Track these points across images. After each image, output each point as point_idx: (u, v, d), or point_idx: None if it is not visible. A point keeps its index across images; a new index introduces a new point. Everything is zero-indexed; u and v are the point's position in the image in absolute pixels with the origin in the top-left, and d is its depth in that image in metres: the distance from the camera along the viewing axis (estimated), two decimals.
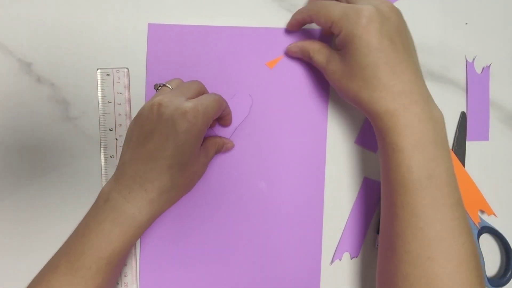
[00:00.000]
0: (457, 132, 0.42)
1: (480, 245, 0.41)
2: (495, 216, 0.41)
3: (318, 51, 0.37)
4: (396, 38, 0.32)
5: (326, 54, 0.36)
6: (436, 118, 0.32)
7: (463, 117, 0.42)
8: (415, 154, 0.30)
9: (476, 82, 0.42)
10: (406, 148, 0.31)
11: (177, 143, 0.31)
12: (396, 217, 0.31)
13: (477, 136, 0.42)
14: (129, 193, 0.31)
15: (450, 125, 0.42)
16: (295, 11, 0.40)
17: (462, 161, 0.41)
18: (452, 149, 0.41)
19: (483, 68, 0.42)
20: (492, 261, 0.42)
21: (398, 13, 0.33)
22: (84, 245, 0.31)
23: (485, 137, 0.42)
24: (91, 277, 0.30)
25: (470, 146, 0.42)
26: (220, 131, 0.39)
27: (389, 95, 0.31)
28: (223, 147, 0.39)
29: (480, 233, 0.41)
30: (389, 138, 0.32)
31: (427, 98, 0.32)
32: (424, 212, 0.30)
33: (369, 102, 0.32)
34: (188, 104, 0.31)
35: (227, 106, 0.36)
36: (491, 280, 0.41)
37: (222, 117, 0.38)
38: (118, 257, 0.31)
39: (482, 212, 0.42)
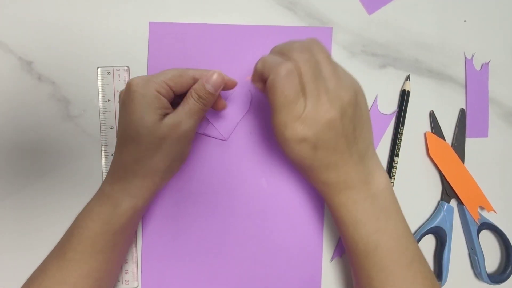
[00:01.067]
0: (456, 128, 0.42)
1: (480, 241, 0.41)
2: (495, 212, 0.41)
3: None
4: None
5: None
6: (376, 193, 0.32)
7: (462, 113, 0.42)
8: (357, 229, 0.31)
9: (475, 79, 0.42)
10: (349, 223, 0.32)
11: (129, 117, 0.31)
12: (356, 271, 0.33)
13: (476, 133, 0.42)
14: (114, 182, 0.33)
15: (449, 122, 0.42)
16: (294, 9, 0.40)
17: (462, 158, 0.41)
18: (452, 146, 0.41)
19: (482, 65, 0.42)
20: (492, 257, 0.42)
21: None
22: (72, 227, 0.33)
23: (485, 134, 0.42)
24: (77, 261, 0.31)
25: (470, 143, 0.42)
26: (221, 127, 0.40)
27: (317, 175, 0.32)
28: (214, 83, 0.33)
29: (480, 229, 0.41)
30: (331, 211, 0.33)
31: (366, 177, 0.31)
32: (377, 275, 0.31)
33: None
34: (134, 78, 0.32)
35: (207, 82, 0.32)
36: (491, 276, 0.41)
37: (202, 96, 0.33)
38: (102, 239, 0.32)
39: (482, 208, 0.42)
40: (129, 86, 0.32)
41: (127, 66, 0.40)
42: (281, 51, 0.31)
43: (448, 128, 0.42)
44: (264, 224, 0.40)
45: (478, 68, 0.42)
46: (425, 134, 0.41)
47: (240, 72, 0.40)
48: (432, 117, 0.41)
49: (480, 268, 0.40)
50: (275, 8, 0.41)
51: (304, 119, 0.29)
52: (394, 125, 0.41)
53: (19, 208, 0.39)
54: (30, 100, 0.39)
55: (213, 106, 0.37)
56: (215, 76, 0.33)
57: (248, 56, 0.40)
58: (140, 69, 0.40)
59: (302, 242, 0.40)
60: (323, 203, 0.40)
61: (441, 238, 0.41)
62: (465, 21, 0.42)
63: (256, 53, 0.40)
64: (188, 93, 0.33)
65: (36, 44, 0.39)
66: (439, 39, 0.42)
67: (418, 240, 0.40)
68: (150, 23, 0.40)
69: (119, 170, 0.33)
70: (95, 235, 0.32)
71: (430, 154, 0.41)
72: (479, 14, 0.42)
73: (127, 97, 0.32)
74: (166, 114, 0.32)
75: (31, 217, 0.39)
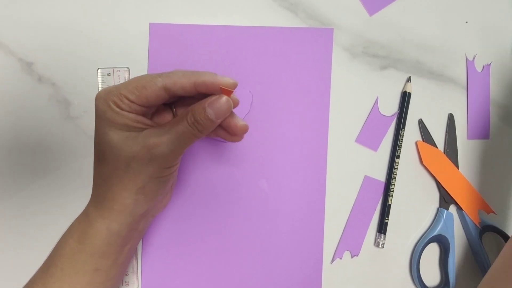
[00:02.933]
0: (447, 134, 0.41)
1: (484, 244, 0.41)
2: (495, 214, 0.41)
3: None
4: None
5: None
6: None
7: (451, 118, 0.41)
8: None
9: (476, 80, 0.42)
10: None
11: (95, 133, 0.29)
12: None
13: (477, 135, 0.42)
14: (91, 199, 0.31)
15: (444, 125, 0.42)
16: (295, 10, 0.40)
17: (455, 162, 0.41)
18: (444, 152, 0.41)
19: (483, 66, 0.42)
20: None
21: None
22: (59, 240, 0.31)
23: (486, 135, 0.42)
24: (58, 278, 0.29)
25: (471, 145, 0.42)
26: None
27: None
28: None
29: (482, 232, 0.41)
30: None
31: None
32: None
33: None
34: (101, 90, 0.29)
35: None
36: None
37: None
38: (80, 258, 0.30)
39: (482, 211, 0.42)
40: (95, 99, 0.29)
41: (128, 67, 0.40)
42: None
43: (439, 132, 0.42)
44: (264, 226, 0.40)
45: (479, 69, 0.42)
46: (416, 143, 0.41)
47: (240, 73, 0.40)
48: (422, 125, 0.41)
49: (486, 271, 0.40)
50: (275, 9, 0.41)
51: None
52: (395, 127, 0.41)
53: (19, 209, 0.39)
54: (30, 101, 0.39)
55: (227, 129, 0.32)
56: (222, 102, 0.28)
57: (248, 57, 0.40)
58: (140, 70, 0.40)
59: (302, 244, 0.40)
60: (323, 205, 0.40)
61: (444, 246, 0.41)
62: (466, 22, 0.42)
63: (257, 54, 0.40)
64: (185, 111, 0.29)
65: (36, 45, 0.39)
66: (440, 41, 0.42)
67: (422, 250, 0.40)
68: (151, 24, 0.40)
69: (94, 188, 0.31)
70: (73, 252, 0.30)
71: (423, 163, 0.41)
72: (481, 15, 0.42)
73: (95, 111, 0.29)
74: (145, 128, 0.29)
75: (31, 218, 0.39)
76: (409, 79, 0.41)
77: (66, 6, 0.40)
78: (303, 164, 0.40)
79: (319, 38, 0.41)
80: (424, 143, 0.41)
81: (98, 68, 0.39)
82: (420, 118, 0.41)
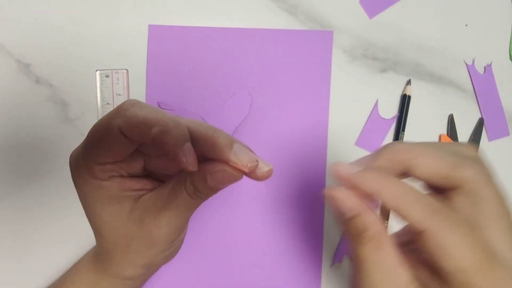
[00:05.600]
0: (472, 136, 0.41)
1: None
2: None
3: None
4: None
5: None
6: None
7: (480, 123, 0.41)
8: None
9: (481, 82, 0.42)
10: None
11: (83, 208, 0.24)
12: None
13: (497, 135, 0.42)
14: (95, 259, 0.29)
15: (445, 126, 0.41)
16: (294, 12, 0.40)
17: None
18: None
19: (485, 67, 0.42)
20: None
21: None
22: (67, 273, 0.31)
23: (506, 133, 0.42)
24: None
25: (492, 148, 0.42)
26: None
27: None
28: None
29: None
30: None
31: None
32: None
33: None
34: (71, 155, 0.24)
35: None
36: None
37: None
38: None
39: None
40: (70, 170, 0.24)
41: (126, 69, 0.39)
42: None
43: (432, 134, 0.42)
44: (263, 229, 0.39)
45: (481, 71, 0.42)
46: (440, 136, 0.41)
47: (239, 76, 0.40)
48: (451, 121, 0.41)
49: None
50: (275, 11, 0.41)
51: None
52: (395, 130, 0.41)
53: (16, 211, 0.39)
54: (28, 103, 0.39)
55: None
56: (225, 172, 0.22)
57: (247, 59, 0.40)
58: (139, 72, 0.39)
59: (301, 248, 0.39)
60: (323, 208, 0.40)
61: None
62: (466, 25, 0.42)
63: (255, 57, 0.40)
64: (180, 178, 0.23)
65: (34, 46, 0.39)
66: (440, 43, 0.42)
67: None
68: (150, 25, 0.40)
69: (97, 251, 0.27)
70: None
71: None
72: (481, 18, 0.42)
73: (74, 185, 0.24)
74: (137, 194, 0.24)
75: (28, 220, 0.39)
76: (409, 82, 0.41)
77: (64, 7, 0.40)
78: (303, 166, 0.40)
79: (319, 40, 0.40)
80: (448, 137, 0.41)
81: (97, 70, 0.39)
82: (451, 113, 0.41)
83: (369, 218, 0.20)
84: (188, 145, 0.20)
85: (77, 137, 0.39)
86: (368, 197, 0.20)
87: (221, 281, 0.39)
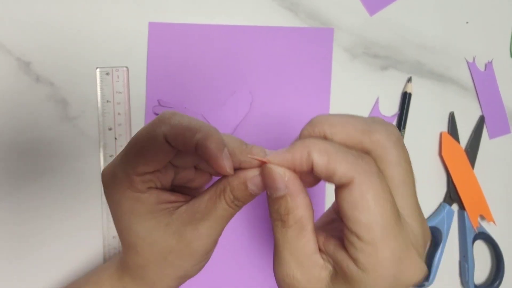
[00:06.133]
0: (473, 134, 0.41)
1: (474, 250, 0.41)
2: (495, 224, 0.41)
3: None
4: None
5: None
6: None
7: (480, 120, 0.41)
8: None
9: (482, 80, 0.42)
10: None
11: (116, 224, 0.24)
12: None
13: (498, 132, 0.42)
14: (122, 275, 0.28)
15: (445, 124, 0.41)
16: (295, 10, 0.40)
17: (472, 163, 0.41)
18: (465, 150, 0.41)
19: (486, 65, 0.42)
20: (482, 268, 0.42)
21: None
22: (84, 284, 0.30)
23: (507, 131, 0.42)
24: None
25: (493, 145, 0.42)
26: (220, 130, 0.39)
27: None
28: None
29: (475, 238, 0.41)
30: None
31: None
32: None
33: None
34: (104, 172, 0.24)
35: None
36: (477, 286, 0.41)
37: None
38: None
39: (483, 218, 0.41)
40: (102, 184, 0.24)
41: (126, 67, 0.39)
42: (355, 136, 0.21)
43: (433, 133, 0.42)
44: (264, 228, 0.39)
45: (482, 68, 0.42)
46: (440, 134, 0.41)
47: (240, 73, 0.40)
48: (451, 119, 0.41)
49: (468, 277, 0.40)
50: (276, 9, 0.40)
51: (417, 244, 0.20)
52: None
53: (16, 210, 0.39)
54: (28, 101, 0.39)
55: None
56: (264, 176, 0.22)
57: (248, 57, 0.40)
58: (139, 70, 0.39)
59: None
60: (324, 207, 0.40)
61: (436, 239, 0.41)
62: (467, 22, 0.42)
63: (256, 54, 0.40)
64: (217, 188, 0.23)
65: (34, 44, 0.39)
66: (441, 41, 0.42)
67: None
68: (150, 23, 0.39)
69: (126, 266, 0.26)
70: None
71: (442, 154, 0.41)
72: (481, 15, 0.42)
73: (106, 198, 0.24)
74: (173, 206, 0.24)
75: (28, 218, 0.39)
76: (409, 80, 0.41)
77: (64, 5, 0.39)
78: None
79: (319, 38, 0.40)
80: (449, 135, 0.41)
81: (97, 68, 0.39)
82: (452, 111, 0.41)
83: (296, 201, 0.21)
84: (226, 151, 0.21)
85: (77, 136, 0.39)
86: (304, 175, 0.21)
87: (222, 279, 0.39)
